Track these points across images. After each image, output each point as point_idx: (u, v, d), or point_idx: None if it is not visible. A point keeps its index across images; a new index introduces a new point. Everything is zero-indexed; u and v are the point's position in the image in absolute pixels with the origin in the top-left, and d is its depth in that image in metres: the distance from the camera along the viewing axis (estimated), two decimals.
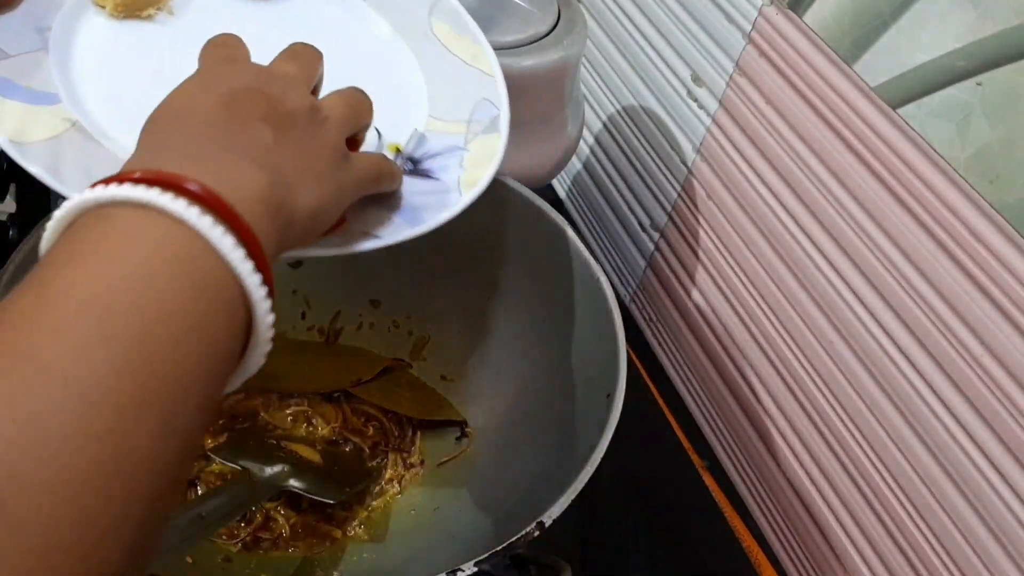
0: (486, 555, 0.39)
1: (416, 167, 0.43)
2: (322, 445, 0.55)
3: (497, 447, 0.54)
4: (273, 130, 0.32)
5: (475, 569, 0.39)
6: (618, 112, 0.81)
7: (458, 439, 0.57)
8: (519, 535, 0.40)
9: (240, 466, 0.50)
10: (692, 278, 0.72)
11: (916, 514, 0.53)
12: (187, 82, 0.34)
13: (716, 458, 0.71)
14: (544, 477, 0.49)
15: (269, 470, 0.50)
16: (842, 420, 0.58)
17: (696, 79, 0.69)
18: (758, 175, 0.63)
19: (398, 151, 0.43)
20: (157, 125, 0.32)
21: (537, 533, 0.40)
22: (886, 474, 0.55)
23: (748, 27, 0.62)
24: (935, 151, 0.49)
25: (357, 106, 0.38)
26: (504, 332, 0.58)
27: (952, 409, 0.50)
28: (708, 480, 0.69)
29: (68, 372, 0.22)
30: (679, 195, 0.73)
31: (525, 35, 0.61)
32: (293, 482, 0.50)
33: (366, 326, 0.62)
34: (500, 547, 0.39)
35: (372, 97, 0.39)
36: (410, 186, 0.41)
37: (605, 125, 0.84)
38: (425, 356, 0.61)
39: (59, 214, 0.27)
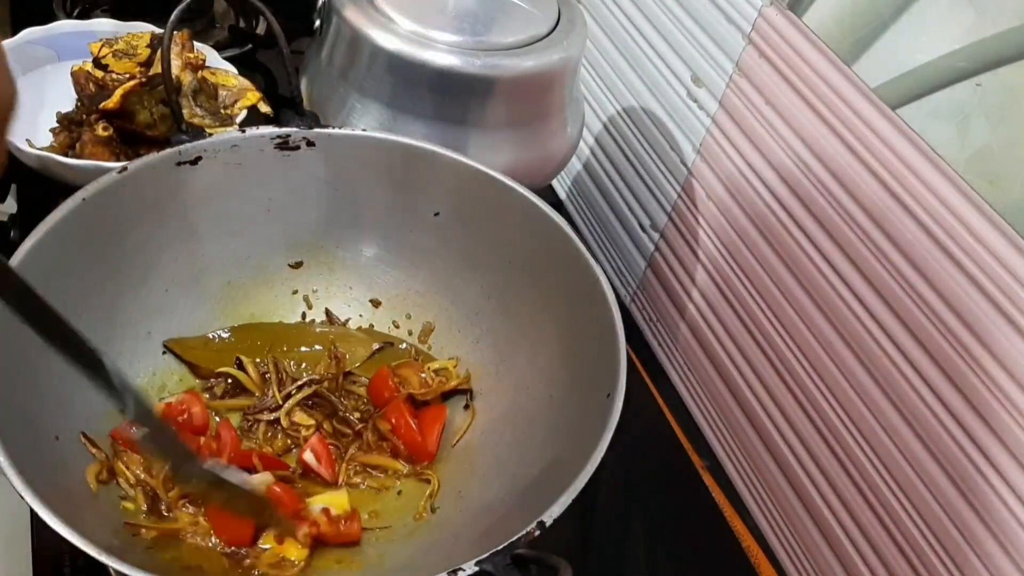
0: (487, 554, 0.39)
1: None
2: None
3: (497, 447, 0.54)
4: None
5: (476, 569, 0.39)
6: (618, 113, 0.81)
7: (465, 407, 0.57)
8: (520, 534, 0.40)
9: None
10: (692, 278, 0.72)
11: (915, 514, 0.54)
12: None
13: (716, 458, 0.72)
14: (544, 477, 0.49)
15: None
16: (841, 420, 0.58)
17: (696, 80, 0.69)
18: (757, 175, 0.63)
19: None
20: None
21: (538, 532, 0.40)
22: (885, 474, 0.55)
23: (748, 28, 0.62)
24: (935, 152, 0.49)
25: None
26: (504, 332, 0.58)
27: (951, 409, 0.50)
28: (708, 480, 0.69)
29: None
30: (679, 195, 0.73)
31: (525, 36, 0.61)
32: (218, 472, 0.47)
33: (366, 326, 0.62)
34: (501, 546, 0.39)
35: None
36: None
37: (605, 126, 0.84)
38: (424, 356, 0.61)
39: None
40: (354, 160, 0.58)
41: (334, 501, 0.51)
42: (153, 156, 0.53)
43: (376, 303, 0.62)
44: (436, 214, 0.59)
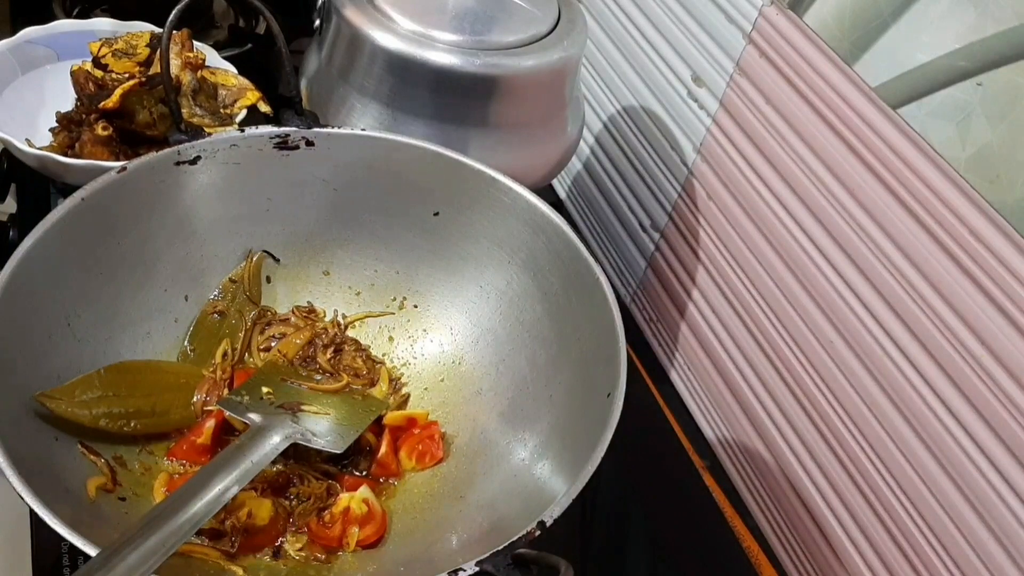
0: (487, 554, 0.39)
1: None
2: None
3: (497, 447, 0.54)
4: None
5: (476, 569, 0.39)
6: (618, 112, 0.81)
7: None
8: (520, 534, 0.40)
9: (248, 420, 0.51)
10: (692, 278, 0.72)
11: (916, 514, 0.53)
12: None
13: (716, 458, 0.71)
14: (545, 476, 0.49)
15: (278, 422, 0.51)
16: (842, 420, 0.58)
17: (696, 79, 0.69)
18: (758, 175, 0.63)
19: None
20: None
21: (538, 532, 0.40)
22: (886, 474, 0.55)
23: (748, 27, 0.62)
24: (935, 151, 0.49)
25: None
26: (503, 332, 0.58)
27: (952, 409, 0.50)
28: (708, 480, 0.69)
29: None
30: (679, 195, 0.73)
31: (525, 35, 0.61)
32: (300, 435, 0.51)
33: (361, 323, 0.62)
34: (501, 546, 0.39)
35: None
36: None
37: (605, 125, 0.84)
38: (426, 357, 0.61)
39: None
40: (353, 160, 0.58)
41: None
42: (151, 156, 0.53)
43: (374, 302, 0.62)
44: (436, 214, 0.59)
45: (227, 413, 0.52)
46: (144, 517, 0.41)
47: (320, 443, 0.51)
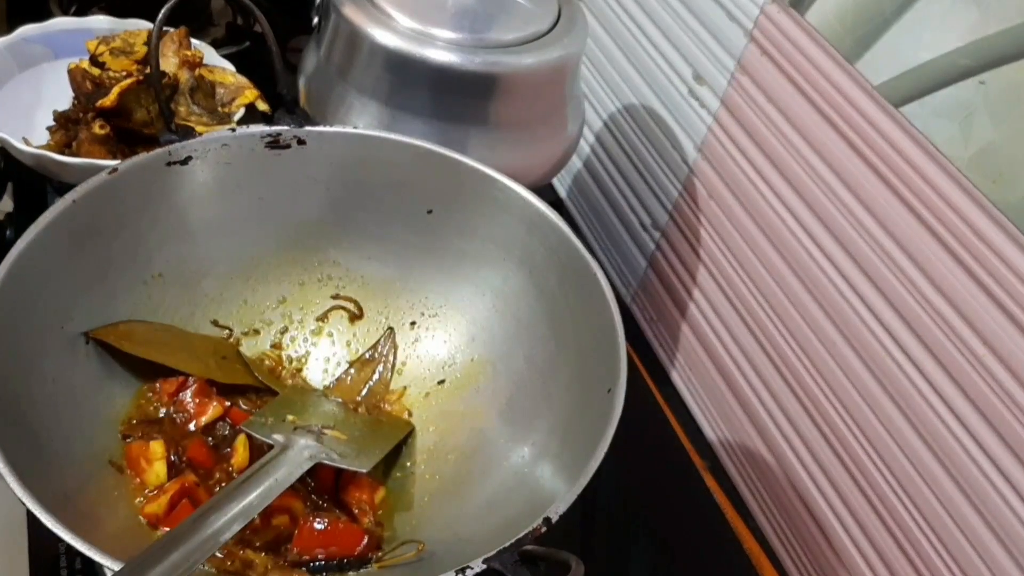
0: (494, 552, 0.39)
1: None
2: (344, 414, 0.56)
3: (497, 446, 0.54)
4: None
5: (484, 567, 0.39)
6: (619, 111, 0.81)
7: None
8: (526, 531, 0.40)
9: (272, 440, 0.51)
10: (693, 278, 0.72)
11: (919, 515, 0.53)
12: None
13: (717, 459, 0.71)
14: (546, 474, 0.49)
15: (302, 442, 0.51)
16: (844, 420, 0.58)
17: (698, 77, 0.69)
18: (760, 174, 0.63)
19: None
20: None
21: (544, 529, 0.40)
22: (888, 475, 0.55)
23: (750, 25, 0.62)
24: (938, 150, 0.49)
25: None
26: (500, 330, 0.58)
27: (954, 408, 0.50)
28: (709, 481, 0.69)
29: None
30: (680, 194, 0.73)
31: (525, 33, 0.60)
32: (325, 455, 0.50)
33: (356, 323, 0.62)
34: (508, 543, 0.39)
35: None
36: None
37: (606, 124, 0.83)
38: (421, 357, 0.61)
39: None
40: (346, 158, 0.57)
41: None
42: (142, 156, 0.53)
43: (368, 301, 0.61)
44: (429, 211, 0.58)
45: (250, 433, 0.52)
46: (167, 533, 0.41)
47: (344, 464, 0.51)
